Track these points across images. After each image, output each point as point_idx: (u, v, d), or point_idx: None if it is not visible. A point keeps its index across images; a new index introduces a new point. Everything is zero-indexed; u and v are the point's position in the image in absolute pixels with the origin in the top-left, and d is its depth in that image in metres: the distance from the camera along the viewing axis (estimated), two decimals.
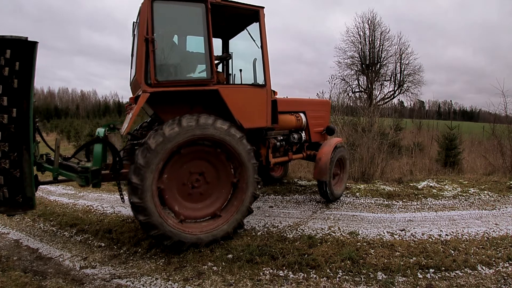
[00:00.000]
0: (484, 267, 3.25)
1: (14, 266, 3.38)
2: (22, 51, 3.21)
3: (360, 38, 28.38)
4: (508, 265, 3.29)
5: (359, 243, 3.80)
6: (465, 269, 3.20)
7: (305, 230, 4.22)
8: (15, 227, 4.76)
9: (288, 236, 4.05)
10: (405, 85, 28.32)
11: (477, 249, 3.62)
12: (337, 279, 3.08)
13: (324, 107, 5.84)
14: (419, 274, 3.13)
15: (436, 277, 3.08)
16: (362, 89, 28.37)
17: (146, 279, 3.12)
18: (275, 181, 6.81)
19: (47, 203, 5.92)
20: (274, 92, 4.92)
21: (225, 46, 5.39)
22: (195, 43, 4.08)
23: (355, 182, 6.85)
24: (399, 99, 29.02)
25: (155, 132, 3.40)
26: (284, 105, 4.95)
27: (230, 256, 3.51)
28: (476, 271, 3.17)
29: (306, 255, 3.49)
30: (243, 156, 3.83)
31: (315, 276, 3.13)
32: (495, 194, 5.88)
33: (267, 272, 3.20)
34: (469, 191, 6.03)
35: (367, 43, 28.20)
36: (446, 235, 4.05)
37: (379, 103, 23.17)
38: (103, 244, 4.02)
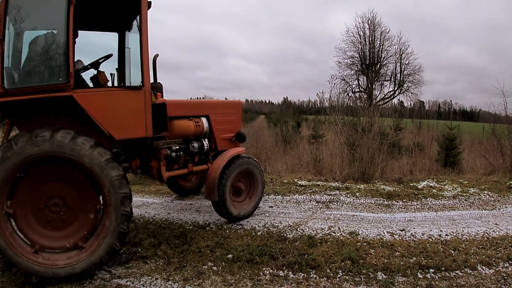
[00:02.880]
0: (484, 267, 3.25)
1: None
2: None
3: (360, 38, 28.44)
4: (508, 265, 3.30)
5: (359, 243, 3.81)
6: (465, 269, 3.21)
7: (305, 230, 4.22)
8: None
9: (288, 236, 4.05)
10: (405, 85, 28.37)
11: (477, 249, 3.62)
12: (337, 279, 3.08)
13: (233, 110, 5.05)
14: (419, 274, 3.13)
15: (436, 277, 3.09)
16: (362, 89, 28.41)
17: (146, 279, 3.12)
18: (189, 192, 5.99)
19: None
20: (156, 95, 4.36)
21: (122, 40, 4.71)
22: (60, 43, 3.46)
23: (355, 182, 6.85)
24: (399, 99, 29.08)
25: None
26: (177, 109, 4.31)
27: (230, 256, 3.51)
28: (476, 271, 3.18)
29: (306, 255, 3.49)
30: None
31: (315, 276, 3.14)
32: (495, 194, 5.88)
33: (267, 272, 3.20)
34: (469, 191, 6.04)
35: (367, 43, 28.25)
36: (446, 235, 4.06)
37: (379, 103, 23.16)
38: None
